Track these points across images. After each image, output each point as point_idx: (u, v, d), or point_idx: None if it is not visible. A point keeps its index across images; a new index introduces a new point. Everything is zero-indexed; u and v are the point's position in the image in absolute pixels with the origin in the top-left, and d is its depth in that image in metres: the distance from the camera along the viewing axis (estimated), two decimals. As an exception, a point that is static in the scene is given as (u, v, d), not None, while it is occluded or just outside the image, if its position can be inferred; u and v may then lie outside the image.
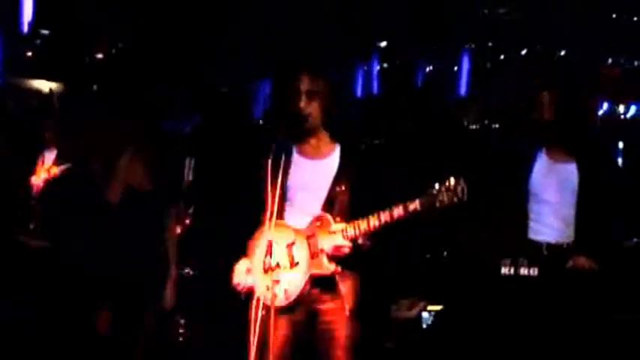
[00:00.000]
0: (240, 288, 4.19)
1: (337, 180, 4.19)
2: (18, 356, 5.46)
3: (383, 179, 4.30)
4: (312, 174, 4.23)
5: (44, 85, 7.37)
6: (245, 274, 4.21)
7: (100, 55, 7.37)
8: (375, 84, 8.11)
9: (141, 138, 5.19)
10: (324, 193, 4.18)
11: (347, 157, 4.24)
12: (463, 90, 7.95)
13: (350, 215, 4.11)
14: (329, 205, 4.18)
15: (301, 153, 4.27)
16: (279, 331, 4.01)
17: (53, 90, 7.24)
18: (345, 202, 4.17)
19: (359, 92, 8.11)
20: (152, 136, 5.25)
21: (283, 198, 4.07)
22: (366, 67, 8.10)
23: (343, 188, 4.18)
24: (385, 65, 8.11)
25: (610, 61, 7.63)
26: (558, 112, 4.70)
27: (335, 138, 4.27)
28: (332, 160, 4.25)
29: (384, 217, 3.98)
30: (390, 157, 6.75)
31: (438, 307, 6.13)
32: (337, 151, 4.26)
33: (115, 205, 5.06)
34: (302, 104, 4.16)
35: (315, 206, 4.18)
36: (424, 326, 6.11)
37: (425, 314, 6.12)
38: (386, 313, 6.11)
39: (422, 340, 6.09)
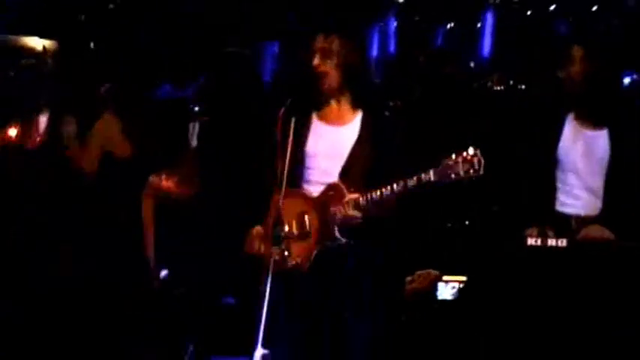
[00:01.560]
0: (252, 253, 4.21)
1: (357, 148, 4.21)
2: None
3: (404, 149, 4.25)
4: (332, 141, 4.24)
5: (37, 43, 7.23)
6: (257, 240, 4.23)
7: (96, 12, 7.22)
8: (392, 43, 7.90)
9: (121, 101, 5.18)
10: (342, 161, 4.20)
11: (369, 125, 4.24)
12: (486, 50, 7.76)
13: (367, 184, 4.10)
14: (346, 173, 4.18)
15: (321, 118, 4.25)
16: (290, 300, 4.05)
17: (47, 48, 7.18)
18: (363, 170, 4.17)
19: (374, 52, 7.89)
20: (134, 100, 5.23)
21: (302, 165, 4.11)
22: (382, 25, 7.90)
23: (362, 156, 4.19)
24: (403, 23, 7.91)
25: None
26: (589, 70, 4.56)
27: (358, 102, 4.26)
28: (353, 126, 4.25)
29: (398, 187, 3.98)
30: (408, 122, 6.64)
31: (455, 278, 6.06)
32: (359, 117, 4.27)
33: (91, 174, 5.08)
34: (315, 62, 4.14)
35: (333, 174, 4.18)
36: (439, 298, 6.05)
37: (441, 285, 6.05)
38: (401, 285, 6.05)
39: (438, 313, 6.01)
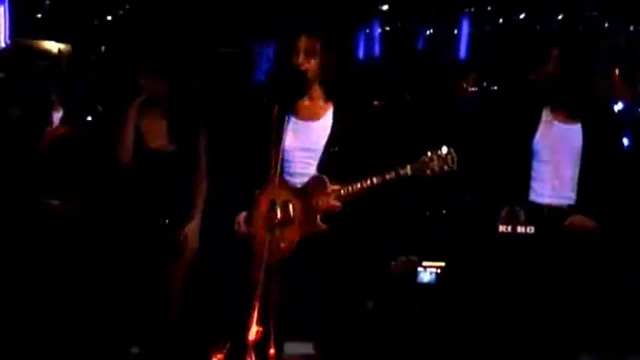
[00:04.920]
0: (240, 234, 4.42)
1: (331, 141, 4.32)
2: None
3: (377, 141, 4.40)
4: (307, 136, 4.35)
5: (53, 47, 7.39)
6: (244, 223, 4.42)
7: (108, 17, 7.39)
8: (377, 47, 8.13)
9: (160, 92, 5.11)
10: (319, 154, 4.31)
11: (340, 118, 4.36)
12: (463, 53, 7.97)
13: (344, 176, 4.24)
14: (324, 165, 4.31)
15: (296, 115, 4.34)
16: (275, 285, 4.13)
17: (62, 51, 7.38)
18: (339, 162, 4.30)
19: (360, 55, 8.15)
20: (173, 93, 5.19)
21: (282, 159, 4.16)
22: (367, 31, 8.13)
23: (337, 149, 4.32)
24: (387, 28, 8.13)
25: (607, 24, 7.60)
26: (565, 69, 4.68)
27: (329, 98, 4.38)
28: (325, 121, 4.37)
29: (377, 180, 4.12)
30: (386, 119, 6.82)
31: (434, 264, 6.24)
32: (330, 111, 4.38)
33: (128, 164, 5.10)
34: (300, 60, 4.31)
35: (312, 167, 4.32)
36: (420, 283, 6.24)
37: (420, 269, 6.25)
38: (384, 271, 6.26)
39: (418, 297, 6.22)
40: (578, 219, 4.62)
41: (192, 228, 5.17)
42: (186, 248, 5.12)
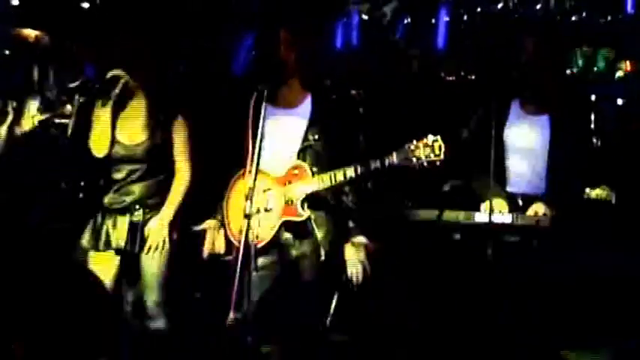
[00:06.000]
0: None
1: (311, 129, 4.38)
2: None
3: (357, 129, 4.47)
4: (285, 124, 4.41)
5: (30, 34, 7.32)
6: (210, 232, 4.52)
7: (85, 5, 7.40)
8: (355, 35, 8.16)
9: (139, 84, 5.05)
10: (297, 142, 4.38)
11: (320, 107, 4.41)
12: (441, 42, 7.97)
13: (325, 164, 4.33)
14: (303, 153, 4.37)
15: (274, 103, 4.39)
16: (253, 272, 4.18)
17: (39, 38, 7.29)
18: (319, 151, 4.37)
19: (338, 43, 8.19)
20: (151, 86, 5.12)
21: (260, 147, 4.15)
22: (345, 19, 8.16)
23: (317, 137, 4.37)
24: (365, 17, 8.15)
25: (584, 14, 7.62)
26: (539, 60, 4.77)
27: (306, 87, 4.45)
28: (303, 109, 4.43)
29: (361, 169, 4.16)
30: (366, 108, 6.88)
31: None
32: (308, 100, 4.44)
33: (104, 157, 5.07)
34: (280, 52, 4.40)
35: (291, 154, 4.39)
36: None
37: None
38: None
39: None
40: (538, 208, 4.71)
41: (158, 219, 5.11)
42: (152, 242, 5.07)
